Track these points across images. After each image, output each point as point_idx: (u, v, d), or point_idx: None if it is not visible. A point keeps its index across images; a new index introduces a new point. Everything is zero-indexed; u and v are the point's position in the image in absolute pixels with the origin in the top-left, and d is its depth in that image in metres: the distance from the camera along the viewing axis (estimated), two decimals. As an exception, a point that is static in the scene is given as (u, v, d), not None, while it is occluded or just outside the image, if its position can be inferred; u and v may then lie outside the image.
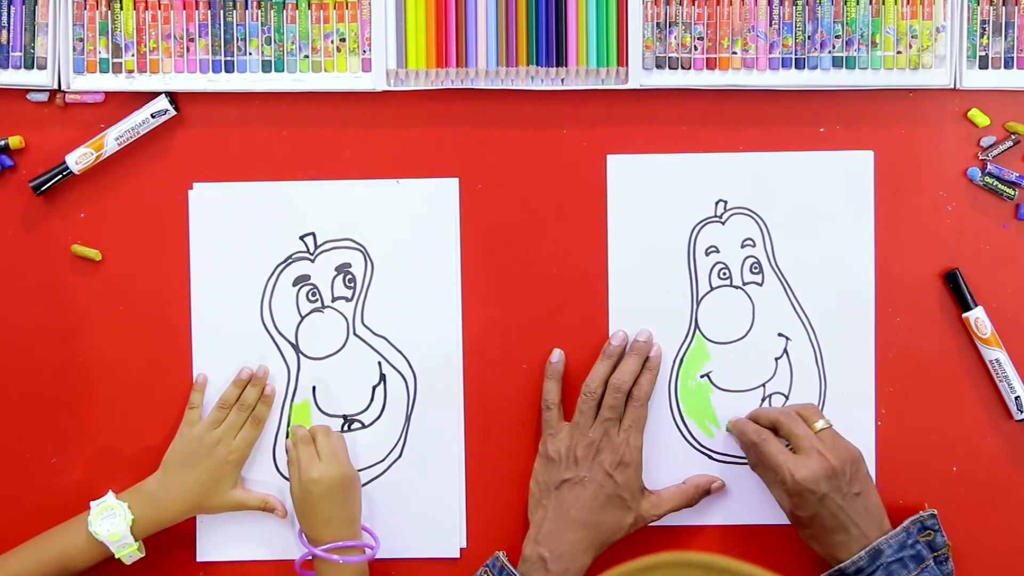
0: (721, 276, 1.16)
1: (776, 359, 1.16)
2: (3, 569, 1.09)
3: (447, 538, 1.16)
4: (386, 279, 1.16)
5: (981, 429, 1.16)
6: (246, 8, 1.14)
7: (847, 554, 1.06)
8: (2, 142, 1.14)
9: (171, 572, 1.16)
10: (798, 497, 1.07)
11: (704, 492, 1.15)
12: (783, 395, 1.16)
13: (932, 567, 1.06)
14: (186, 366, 1.15)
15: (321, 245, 1.16)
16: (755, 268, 1.16)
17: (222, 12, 1.14)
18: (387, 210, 1.16)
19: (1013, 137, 1.15)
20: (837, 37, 1.14)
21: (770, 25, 1.14)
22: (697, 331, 1.16)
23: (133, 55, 1.14)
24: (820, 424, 1.11)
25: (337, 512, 1.11)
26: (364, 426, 1.16)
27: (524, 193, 1.16)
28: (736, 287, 1.16)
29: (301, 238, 1.16)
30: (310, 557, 1.11)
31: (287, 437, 1.16)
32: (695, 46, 1.14)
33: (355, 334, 1.16)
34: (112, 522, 1.10)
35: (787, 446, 1.10)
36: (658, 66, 1.14)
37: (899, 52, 1.14)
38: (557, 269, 1.16)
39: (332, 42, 1.14)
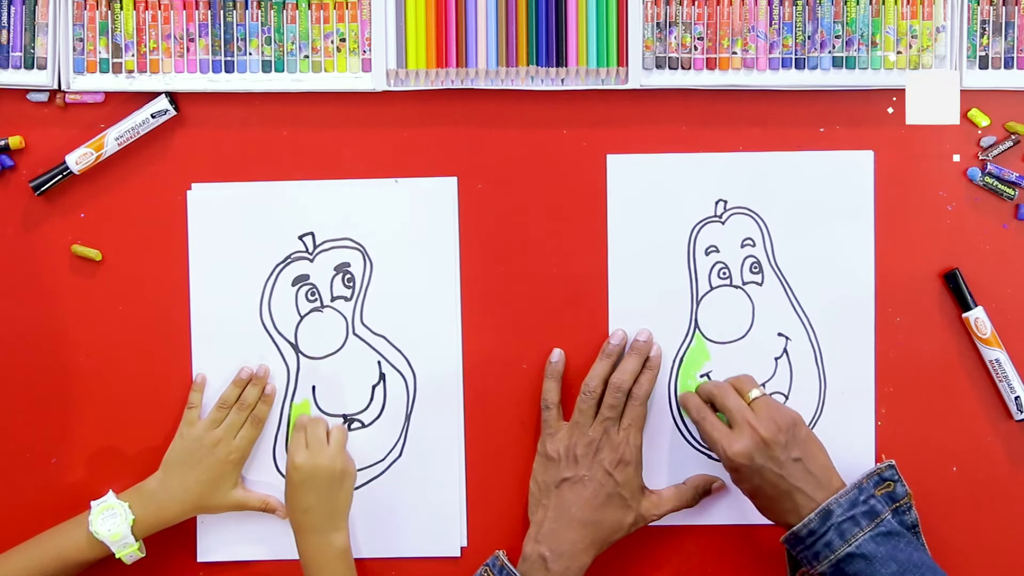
0: (721, 276, 1.16)
1: (776, 359, 1.16)
2: (3, 568, 1.09)
3: (447, 537, 1.16)
4: (385, 278, 1.16)
5: (981, 429, 1.16)
6: (246, 8, 1.14)
7: (798, 519, 1.06)
8: (2, 142, 1.14)
9: (171, 572, 1.16)
10: (735, 472, 1.07)
11: (704, 492, 1.15)
12: (783, 395, 1.16)
13: (889, 520, 1.05)
14: (186, 366, 1.15)
15: (320, 245, 1.16)
16: (755, 268, 1.16)
17: (222, 12, 1.14)
18: (386, 209, 1.16)
19: (1013, 137, 1.15)
20: (837, 37, 1.14)
21: (770, 25, 1.14)
22: (697, 331, 1.16)
23: (133, 55, 1.14)
24: (754, 393, 1.10)
25: (317, 503, 1.11)
26: (364, 425, 1.16)
27: (524, 193, 1.16)
28: (736, 287, 1.16)
29: (300, 238, 1.16)
30: None
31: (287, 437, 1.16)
32: (695, 46, 1.14)
33: (354, 333, 1.16)
34: (113, 522, 1.10)
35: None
36: (658, 66, 1.14)
37: (899, 52, 1.14)
38: (557, 269, 1.16)
39: (332, 42, 1.14)
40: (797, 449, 1.07)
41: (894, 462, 1.10)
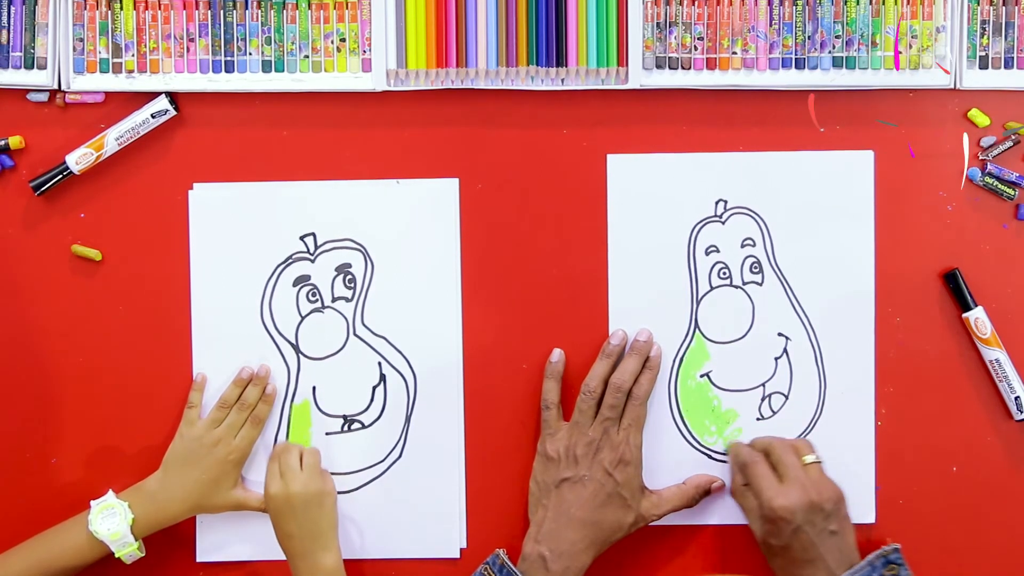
0: (721, 276, 1.16)
1: (776, 359, 1.16)
2: (3, 568, 1.09)
3: (447, 538, 1.16)
4: (386, 279, 1.16)
5: (981, 429, 1.16)
6: (246, 8, 1.14)
7: None
8: (2, 142, 1.14)
9: (170, 572, 1.16)
10: (772, 524, 1.07)
11: (704, 492, 1.15)
12: (783, 395, 1.16)
13: None
14: (186, 366, 1.15)
15: (321, 245, 1.16)
16: (755, 268, 1.16)
17: (222, 12, 1.14)
18: (387, 210, 1.16)
19: (1013, 137, 1.15)
20: (837, 37, 1.14)
21: (770, 25, 1.14)
22: (697, 331, 1.16)
23: (133, 55, 1.14)
24: (810, 458, 1.11)
25: (299, 528, 1.10)
26: (364, 426, 1.16)
27: (524, 193, 1.16)
28: (736, 287, 1.16)
29: (301, 238, 1.16)
30: None
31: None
32: (695, 46, 1.14)
33: (355, 334, 1.16)
34: (112, 521, 1.10)
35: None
36: (658, 66, 1.14)
37: (899, 52, 1.14)
38: (557, 269, 1.16)
39: (332, 42, 1.14)
40: (836, 523, 1.07)
41: (899, 546, 1.09)
